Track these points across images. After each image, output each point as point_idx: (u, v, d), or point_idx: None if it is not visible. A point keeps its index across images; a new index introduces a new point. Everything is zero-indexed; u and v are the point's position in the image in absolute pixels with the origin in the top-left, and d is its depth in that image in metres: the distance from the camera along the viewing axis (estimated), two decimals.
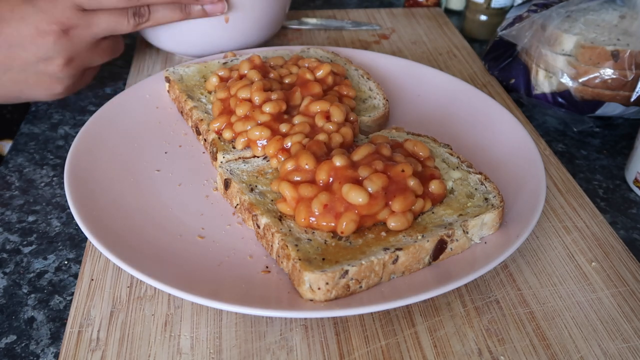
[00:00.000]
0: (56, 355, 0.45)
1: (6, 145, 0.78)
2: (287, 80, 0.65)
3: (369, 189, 0.48)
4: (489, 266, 0.46)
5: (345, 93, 0.65)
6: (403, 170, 0.50)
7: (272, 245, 0.49)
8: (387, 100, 0.69)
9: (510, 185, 0.56)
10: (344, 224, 0.47)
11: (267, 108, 0.59)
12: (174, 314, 0.47)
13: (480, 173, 0.56)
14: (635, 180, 0.64)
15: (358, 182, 0.49)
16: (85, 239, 0.56)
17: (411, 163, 0.51)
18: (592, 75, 0.71)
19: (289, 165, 0.52)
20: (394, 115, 0.70)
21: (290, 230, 0.49)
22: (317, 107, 0.59)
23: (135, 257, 0.46)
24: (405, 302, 0.43)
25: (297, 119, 0.59)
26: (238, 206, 0.54)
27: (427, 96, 0.73)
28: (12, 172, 0.65)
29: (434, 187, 0.51)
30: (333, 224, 0.48)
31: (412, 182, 0.50)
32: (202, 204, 0.56)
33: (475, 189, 0.54)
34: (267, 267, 0.49)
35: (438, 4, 1.10)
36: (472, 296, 0.49)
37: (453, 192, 0.54)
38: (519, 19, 0.80)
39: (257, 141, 0.58)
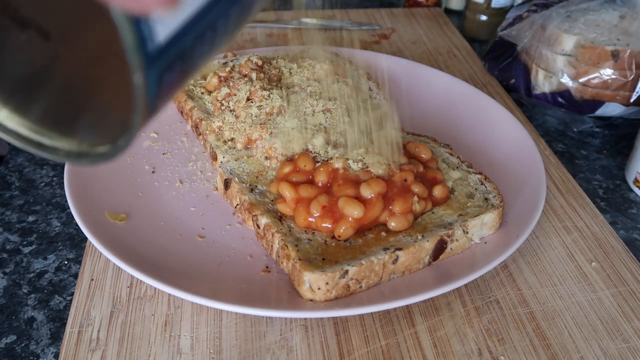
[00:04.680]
0: (56, 355, 0.45)
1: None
2: (287, 80, 0.65)
3: (366, 193, 0.48)
4: (489, 266, 0.46)
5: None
6: (406, 180, 0.49)
7: (272, 246, 0.49)
8: (387, 100, 0.68)
9: (510, 185, 0.56)
10: (342, 229, 0.47)
11: (267, 108, 0.59)
12: (174, 314, 0.47)
13: (480, 173, 0.56)
14: (635, 180, 0.64)
15: (357, 185, 0.49)
16: (85, 239, 0.56)
17: (413, 167, 0.51)
18: (592, 75, 0.71)
19: (287, 169, 0.52)
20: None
21: (290, 231, 0.49)
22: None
23: (135, 257, 0.46)
24: (405, 302, 0.43)
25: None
26: (238, 206, 0.54)
27: (427, 96, 0.73)
28: (12, 172, 0.65)
29: (437, 192, 0.51)
30: (331, 226, 0.48)
31: (416, 189, 0.49)
32: (202, 204, 0.56)
33: (475, 189, 0.54)
34: (267, 267, 0.49)
35: (438, 4, 1.10)
36: (472, 296, 0.49)
37: (453, 192, 0.54)
38: (519, 19, 0.80)
39: (257, 141, 0.58)
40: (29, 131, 0.24)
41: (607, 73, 0.70)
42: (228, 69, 0.68)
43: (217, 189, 0.58)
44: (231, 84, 0.63)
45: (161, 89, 0.21)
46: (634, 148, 0.64)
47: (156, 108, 0.22)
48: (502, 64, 0.81)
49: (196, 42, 0.21)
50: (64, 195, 0.60)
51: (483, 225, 0.50)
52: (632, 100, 0.70)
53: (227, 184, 0.55)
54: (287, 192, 0.50)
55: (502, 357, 0.44)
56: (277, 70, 0.67)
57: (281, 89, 0.63)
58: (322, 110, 0.59)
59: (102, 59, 0.22)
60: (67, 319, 0.47)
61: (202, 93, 0.68)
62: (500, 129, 0.65)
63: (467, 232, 0.49)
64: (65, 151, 0.23)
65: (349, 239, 0.48)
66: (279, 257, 0.48)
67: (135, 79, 0.19)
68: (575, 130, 0.75)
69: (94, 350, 0.44)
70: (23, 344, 0.46)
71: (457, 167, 0.57)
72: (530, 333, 0.46)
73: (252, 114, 0.59)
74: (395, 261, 0.46)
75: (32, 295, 0.50)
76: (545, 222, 0.58)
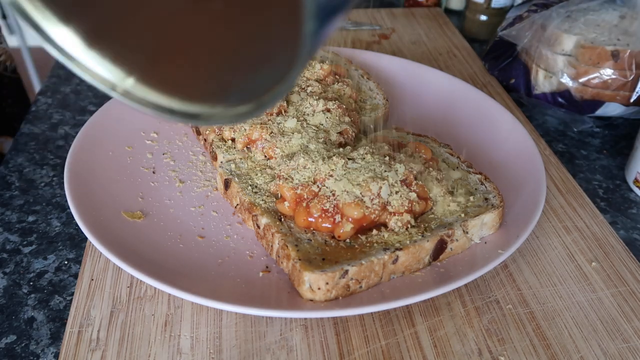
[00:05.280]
0: (56, 355, 0.45)
1: (5, 143, 0.78)
2: None
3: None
4: (489, 266, 0.46)
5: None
6: (406, 179, 0.49)
7: (272, 245, 0.49)
8: (387, 100, 0.69)
9: (510, 185, 0.56)
10: (342, 229, 0.47)
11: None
12: (174, 314, 0.47)
13: (480, 173, 0.56)
14: (635, 180, 0.64)
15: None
16: (85, 239, 0.56)
17: (413, 169, 0.51)
18: (592, 75, 0.71)
19: (287, 167, 0.52)
20: (394, 115, 0.70)
21: (290, 230, 0.49)
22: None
23: (135, 257, 0.46)
24: (405, 302, 0.43)
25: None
26: (238, 206, 0.54)
27: (427, 96, 0.73)
28: (12, 172, 0.65)
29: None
30: (331, 226, 0.48)
31: (417, 190, 0.49)
32: (202, 204, 0.56)
33: (475, 189, 0.54)
34: (267, 267, 0.49)
35: (438, 4, 1.10)
36: (472, 296, 0.49)
37: (453, 192, 0.54)
38: (519, 19, 0.80)
39: (257, 141, 0.58)
40: (158, 96, 0.23)
41: (607, 73, 0.70)
42: None
43: (217, 189, 0.58)
44: None
45: (320, 40, 0.20)
46: (634, 148, 0.64)
47: (312, 58, 0.22)
48: (502, 64, 0.81)
49: None
50: (64, 195, 0.60)
51: (483, 225, 0.50)
52: (632, 100, 0.70)
53: (227, 184, 0.55)
54: (287, 192, 0.50)
55: (502, 357, 0.44)
56: None
57: None
58: (322, 110, 0.59)
59: (256, 15, 0.21)
60: (67, 319, 0.47)
61: None
62: (500, 129, 0.65)
63: (467, 232, 0.49)
64: (206, 114, 0.23)
65: (349, 239, 0.48)
66: (279, 257, 0.48)
67: (305, 28, 0.19)
68: (575, 130, 0.75)
69: (94, 350, 0.44)
70: (23, 344, 0.46)
71: (457, 167, 0.57)
72: (530, 333, 0.46)
73: None
74: (395, 261, 0.46)
75: (32, 295, 0.50)
76: (545, 222, 0.58)
